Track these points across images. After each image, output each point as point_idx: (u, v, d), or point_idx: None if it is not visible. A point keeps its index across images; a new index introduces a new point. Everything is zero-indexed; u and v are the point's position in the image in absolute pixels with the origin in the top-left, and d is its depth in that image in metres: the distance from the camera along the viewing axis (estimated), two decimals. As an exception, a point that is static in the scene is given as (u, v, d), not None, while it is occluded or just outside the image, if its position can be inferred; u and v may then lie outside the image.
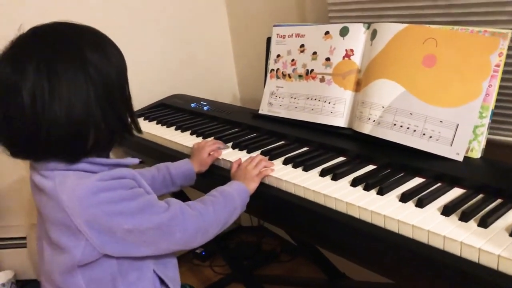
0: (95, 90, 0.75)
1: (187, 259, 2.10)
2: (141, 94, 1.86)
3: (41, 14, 1.57)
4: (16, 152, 0.78)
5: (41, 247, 0.86)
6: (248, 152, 1.20)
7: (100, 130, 0.77)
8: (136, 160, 0.89)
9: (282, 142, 1.24)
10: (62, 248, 0.78)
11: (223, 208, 0.91)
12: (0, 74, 0.73)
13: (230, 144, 1.26)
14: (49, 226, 0.79)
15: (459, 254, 0.71)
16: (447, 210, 0.79)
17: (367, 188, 0.91)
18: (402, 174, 0.96)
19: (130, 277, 0.85)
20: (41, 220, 0.83)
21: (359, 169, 1.01)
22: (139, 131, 0.88)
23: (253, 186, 1.02)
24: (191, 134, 1.41)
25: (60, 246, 0.79)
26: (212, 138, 1.32)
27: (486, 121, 0.95)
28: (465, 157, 0.94)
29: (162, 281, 0.90)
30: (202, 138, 1.35)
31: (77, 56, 0.75)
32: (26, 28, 0.78)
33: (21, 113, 0.72)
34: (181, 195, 1.69)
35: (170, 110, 1.73)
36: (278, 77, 1.38)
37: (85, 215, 0.75)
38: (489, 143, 0.97)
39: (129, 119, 0.84)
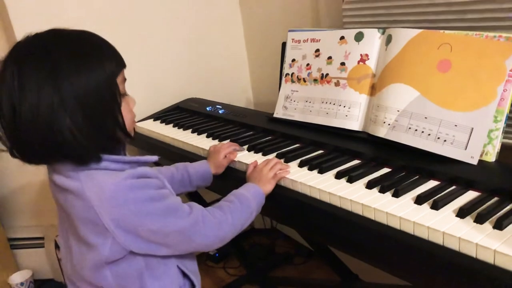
0: (62, 100, 0.74)
1: (200, 261, 2.12)
2: (157, 97, 1.90)
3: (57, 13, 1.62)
4: (20, 156, 0.81)
5: (66, 244, 0.88)
6: (264, 154, 1.22)
7: (73, 139, 0.76)
8: (155, 158, 0.91)
9: (297, 145, 1.26)
10: (90, 245, 0.81)
11: (240, 214, 0.94)
12: None
13: (245, 146, 1.28)
14: (77, 224, 0.81)
15: (474, 256, 0.72)
16: (462, 212, 0.80)
17: (382, 190, 0.92)
18: (417, 177, 0.97)
19: (156, 271, 0.88)
20: (66, 218, 0.86)
21: (374, 171, 1.03)
22: (128, 136, 0.86)
23: (268, 188, 1.04)
24: (207, 136, 1.43)
25: (88, 243, 0.81)
26: (228, 140, 1.34)
27: (501, 125, 0.95)
28: (479, 160, 0.95)
29: (184, 274, 0.94)
30: (218, 141, 1.37)
31: (49, 68, 0.75)
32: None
33: (3, 119, 0.75)
34: (196, 196, 1.71)
35: (186, 114, 1.76)
36: (293, 81, 1.40)
37: (113, 213, 0.78)
38: (504, 147, 0.98)
39: (114, 127, 0.82)
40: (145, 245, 0.83)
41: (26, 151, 0.79)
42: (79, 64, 0.76)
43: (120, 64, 0.84)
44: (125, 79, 0.86)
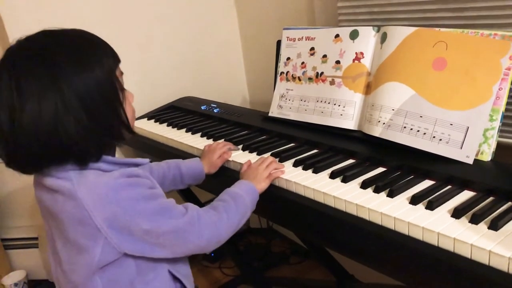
0: (66, 102, 0.73)
1: (196, 261, 2.12)
2: (152, 96, 1.88)
3: (53, 15, 1.60)
4: (16, 167, 0.79)
5: (54, 249, 0.86)
6: (258, 154, 1.20)
7: (80, 139, 0.75)
8: (146, 160, 0.91)
9: (292, 144, 1.25)
10: (81, 248, 0.79)
11: (235, 212, 0.92)
12: None
13: (240, 146, 1.27)
14: (67, 226, 0.79)
15: (469, 257, 0.71)
16: (457, 213, 0.79)
17: (377, 191, 0.91)
18: (412, 176, 0.96)
19: (147, 277, 0.86)
20: (53, 222, 0.83)
21: (369, 171, 1.02)
22: (131, 132, 0.86)
23: (262, 186, 1.02)
24: (202, 136, 1.42)
25: (78, 246, 0.79)
26: (223, 140, 1.33)
27: (497, 124, 0.95)
28: (475, 160, 0.94)
29: (175, 278, 0.92)
30: (213, 140, 1.36)
31: (48, 71, 0.74)
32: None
33: (1, 126, 0.74)
34: (191, 195, 1.70)
35: (181, 112, 1.75)
36: (288, 80, 1.39)
37: (106, 212, 0.76)
38: (500, 146, 0.97)
39: (118, 124, 0.82)
40: (139, 245, 0.81)
41: (24, 160, 0.77)
42: (78, 63, 0.76)
43: (116, 58, 0.84)
44: (122, 73, 0.86)
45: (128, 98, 0.87)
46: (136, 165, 0.87)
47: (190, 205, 0.88)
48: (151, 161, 1.03)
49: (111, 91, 0.81)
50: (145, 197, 0.80)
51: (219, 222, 0.88)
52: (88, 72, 0.76)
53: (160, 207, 0.82)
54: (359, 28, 1.22)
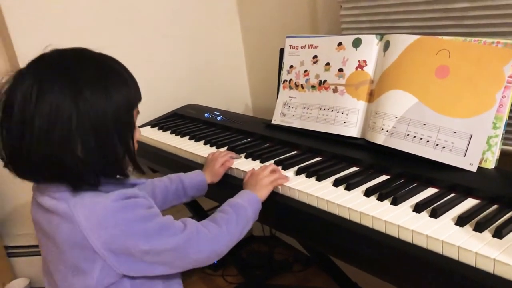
0: (79, 120, 0.73)
1: (199, 268, 2.10)
2: (155, 104, 1.89)
3: (57, 27, 1.61)
4: (14, 170, 0.78)
5: (48, 270, 0.84)
6: (261, 162, 1.21)
7: (82, 164, 0.74)
8: (143, 181, 0.91)
9: (295, 152, 1.25)
10: (78, 271, 0.77)
11: (236, 225, 0.91)
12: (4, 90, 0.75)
13: (243, 154, 1.27)
14: (63, 248, 0.77)
15: (474, 265, 0.71)
16: (461, 221, 0.79)
17: (380, 198, 0.91)
18: (416, 184, 0.96)
19: None
20: (48, 243, 0.81)
21: (373, 179, 1.01)
22: (139, 171, 0.85)
23: (264, 193, 1.02)
24: (205, 144, 1.42)
25: (75, 268, 0.77)
26: (226, 148, 1.33)
27: (500, 131, 0.95)
28: (478, 167, 0.94)
29: None
30: (216, 148, 1.36)
31: (71, 87, 0.73)
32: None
33: (10, 128, 0.73)
34: (193, 203, 1.70)
35: (184, 120, 1.75)
36: (291, 88, 1.39)
37: (104, 236, 0.75)
38: (503, 153, 0.97)
39: (126, 158, 0.81)
40: (139, 266, 0.79)
41: (22, 163, 0.76)
42: (102, 88, 0.76)
43: (138, 96, 0.84)
44: (138, 112, 0.86)
45: (135, 134, 0.86)
46: (133, 185, 0.86)
47: (189, 220, 0.87)
48: (156, 167, 1.02)
49: (127, 125, 0.80)
50: (143, 218, 0.79)
51: (219, 235, 0.87)
52: (109, 99, 0.76)
53: (158, 226, 0.80)
54: (362, 36, 1.22)
